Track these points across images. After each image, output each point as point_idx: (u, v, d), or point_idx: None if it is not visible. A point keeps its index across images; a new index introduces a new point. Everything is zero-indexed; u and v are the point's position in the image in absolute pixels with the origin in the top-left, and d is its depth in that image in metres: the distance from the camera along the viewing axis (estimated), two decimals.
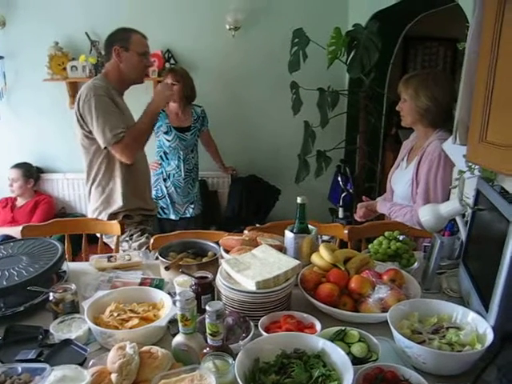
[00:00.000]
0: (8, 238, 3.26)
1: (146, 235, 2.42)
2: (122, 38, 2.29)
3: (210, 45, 3.88)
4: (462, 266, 1.60)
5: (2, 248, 1.80)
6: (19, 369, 1.17)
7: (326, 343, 1.18)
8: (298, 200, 1.67)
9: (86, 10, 3.71)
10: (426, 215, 1.77)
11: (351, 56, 3.15)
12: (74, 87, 3.79)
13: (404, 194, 2.20)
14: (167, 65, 3.76)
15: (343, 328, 1.28)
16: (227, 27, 3.79)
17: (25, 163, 3.83)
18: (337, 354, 1.15)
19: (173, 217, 3.44)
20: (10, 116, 3.91)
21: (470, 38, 1.49)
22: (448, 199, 1.99)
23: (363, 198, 2.44)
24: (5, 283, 1.52)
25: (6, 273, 1.59)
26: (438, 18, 3.35)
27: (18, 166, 3.76)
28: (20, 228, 2.34)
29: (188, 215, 3.48)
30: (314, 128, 3.41)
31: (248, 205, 3.82)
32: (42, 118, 3.94)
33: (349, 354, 1.18)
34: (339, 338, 1.25)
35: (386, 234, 1.84)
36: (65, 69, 3.67)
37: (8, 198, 3.79)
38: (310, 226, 1.72)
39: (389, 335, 1.29)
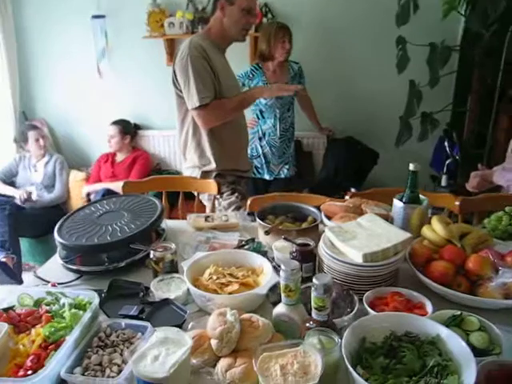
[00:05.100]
0: (109, 192, 3.45)
1: (235, 194, 2.39)
2: None
3: None
4: None
5: (105, 203, 1.85)
6: (123, 324, 1.20)
7: (443, 329, 1.06)
8: (411, 167, 1.52)
9: None
10: None
11: (470, 6, 2.80)
12: (171, 44, 3.79)
13: None
14: (264, 20, 3.63)
15: (459, 312, 1.15)
16: None
17: (122, 120, 3.93)
18: (455, 343, 1.02)
19: (267, 177, 3.39)
20: (110, 74, 4.00)
21: None
22: None
23: (479, 165, 2.19)
24: (109, 238, 1.56)
25: (110, 228, 1.63)
26: None
27: (115, 122, 3.87)
28: (120, 183, 2.43)
29: (282, 176, 3.40)
30: (420, 88, 3.14)
31: (344, 168, 3.63)
32: (140, 75, 3.99)
33: (467, 343, 1.04)
34: (455, 324, 1.12)
35: (507, 209, 1.64)
36: (162, 26, 3.65)
37: (109, 154, 3.95)
38: (421, 196, 1.57)
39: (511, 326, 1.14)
